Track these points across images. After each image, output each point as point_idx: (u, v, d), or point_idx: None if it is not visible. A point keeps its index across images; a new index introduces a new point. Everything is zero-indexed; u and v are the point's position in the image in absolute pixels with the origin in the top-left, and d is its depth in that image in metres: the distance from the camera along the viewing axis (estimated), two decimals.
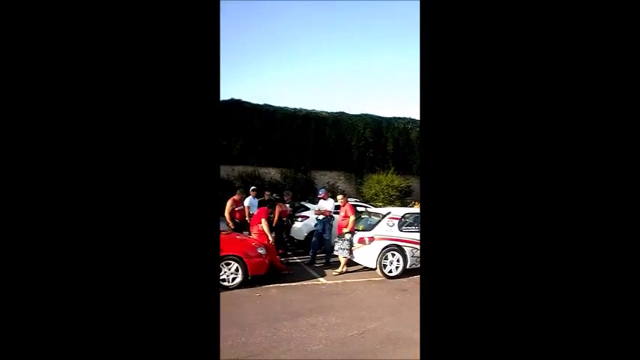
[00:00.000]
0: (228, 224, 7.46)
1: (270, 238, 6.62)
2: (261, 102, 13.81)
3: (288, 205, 8.12)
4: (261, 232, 6.64)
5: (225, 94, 15.31)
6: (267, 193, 8.59)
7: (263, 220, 6.68)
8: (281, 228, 7.75)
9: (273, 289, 5.65)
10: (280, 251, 7.51)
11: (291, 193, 8.83)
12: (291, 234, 8.42)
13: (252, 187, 8.43)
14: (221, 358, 3.35)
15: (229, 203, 7.62)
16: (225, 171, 12.70)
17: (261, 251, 5.97)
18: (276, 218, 7.50)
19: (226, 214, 7.51)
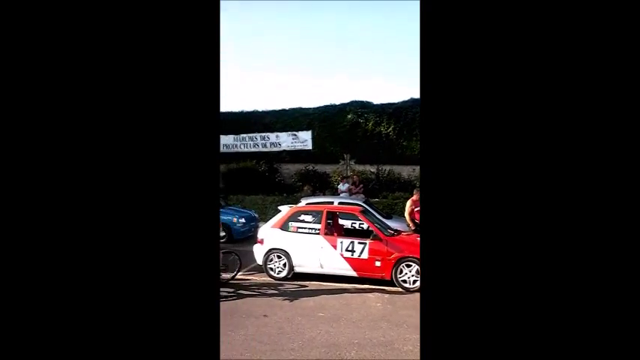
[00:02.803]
0: (408, 225, 7.40)
1: None
2: None
3: None
4: None
5: (402, 97, 15.28)
6: None
7: None
8: None
9: None
10: None
11: None
12: None
13: None
14: (394, 358, 3.33)
15: (409, 204, 7.55)
16: (406, 172, 12.73)
17: None
18: None
19: (406, 214, 7.47)
